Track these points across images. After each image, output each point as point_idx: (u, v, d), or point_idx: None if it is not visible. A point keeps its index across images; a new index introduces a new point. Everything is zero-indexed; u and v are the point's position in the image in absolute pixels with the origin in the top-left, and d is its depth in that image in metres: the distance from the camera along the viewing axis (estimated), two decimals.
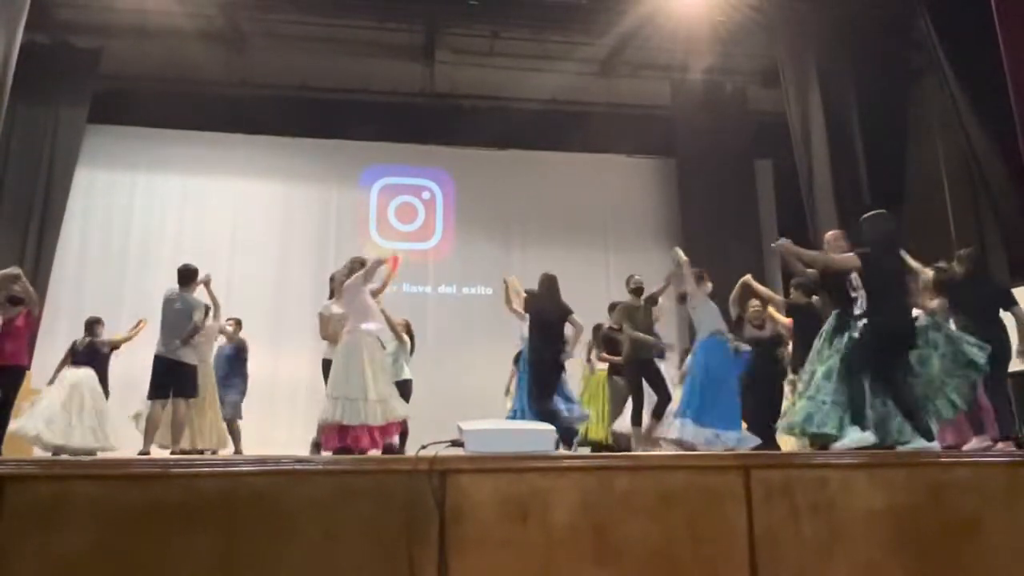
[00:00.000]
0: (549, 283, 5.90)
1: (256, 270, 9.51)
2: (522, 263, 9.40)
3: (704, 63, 9.50)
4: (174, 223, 9.68)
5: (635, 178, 10.80)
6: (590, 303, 7.50)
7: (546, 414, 5.35)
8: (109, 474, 2.10)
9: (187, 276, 5.97)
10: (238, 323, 7.19)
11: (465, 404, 6.86)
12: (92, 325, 6.96)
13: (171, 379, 5.72)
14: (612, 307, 7.11)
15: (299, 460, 2.20)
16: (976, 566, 2.42)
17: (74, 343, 6.94)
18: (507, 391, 7.29)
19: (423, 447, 2.22)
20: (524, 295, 6.05)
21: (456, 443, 2.33)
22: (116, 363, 7.20)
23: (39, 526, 2.02)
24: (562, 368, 5.74)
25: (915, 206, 8.26)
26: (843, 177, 8.22)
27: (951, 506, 2.45)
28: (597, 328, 7.02)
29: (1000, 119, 5.97)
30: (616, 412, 6.34)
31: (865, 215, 4.41)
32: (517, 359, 6.70)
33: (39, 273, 8.62)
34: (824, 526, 2.35)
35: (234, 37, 9.03)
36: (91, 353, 6.86)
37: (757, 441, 5.14)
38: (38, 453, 6.57)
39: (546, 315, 5.78)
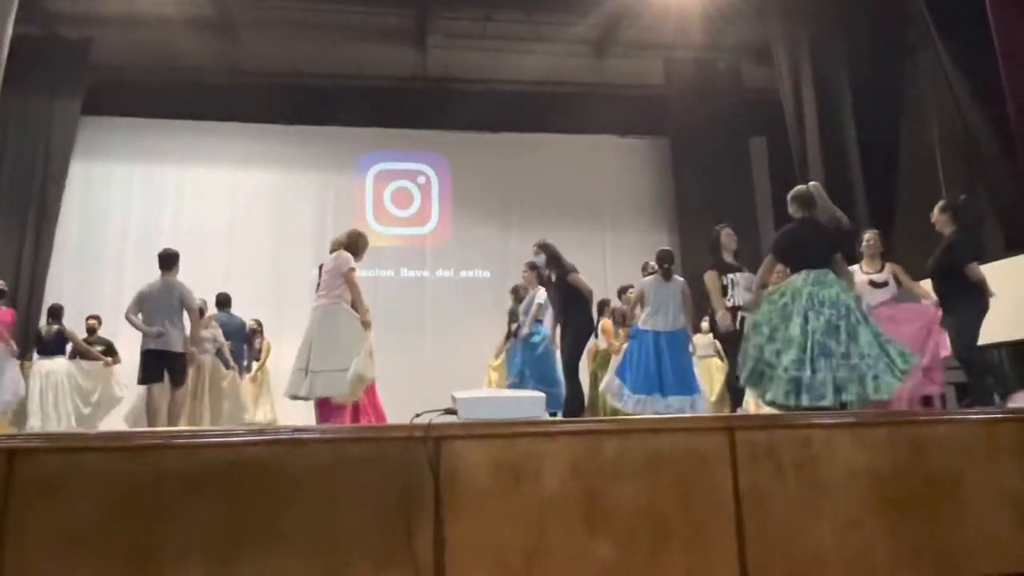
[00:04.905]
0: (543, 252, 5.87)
1: (253, 258, 9.58)
2: (519, 245, 9.46)
3: (696, 41, 9.49)
4: (171, 213, 9.75)
5: (630, 158, 10.84)
6: (588, 282, 7.56)
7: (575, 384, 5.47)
8: (114, 446, 2.17)
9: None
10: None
11: (464, 387, 6.91)
12: (57, 312, 7.05)
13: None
14: (622, 291, 7.26)
15: (298, 429, 2.27)
16: (956, 520, 2.50)
17: (39, 332, 7.01)
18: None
19: (417, 415, 2.29)
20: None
21: (450, 411, 2.40)
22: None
23: (48, 497, 2.09)
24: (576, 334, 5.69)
25: (909, 181, 8.28)
26: (834, 154, 8.24)
27: (932, 463, 2.52)
28: (604, 304, 7.15)
29: (993, 94, 5.99)
30: None
31: None
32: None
33: (38, 266, 8.70)
34: (808, 484, 2.42)
35: (224, 25, 9.02)
36: (60, 342, 6.95)
37: None
38: None
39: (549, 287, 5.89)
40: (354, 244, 4.97)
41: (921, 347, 4.82)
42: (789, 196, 4.41)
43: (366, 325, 4.63)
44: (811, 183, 4.47)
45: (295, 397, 4.64)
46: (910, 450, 2.52)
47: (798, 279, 4.04)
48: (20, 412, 6.66)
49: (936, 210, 4.76)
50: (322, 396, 4.55)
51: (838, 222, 4.41)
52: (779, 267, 4.57)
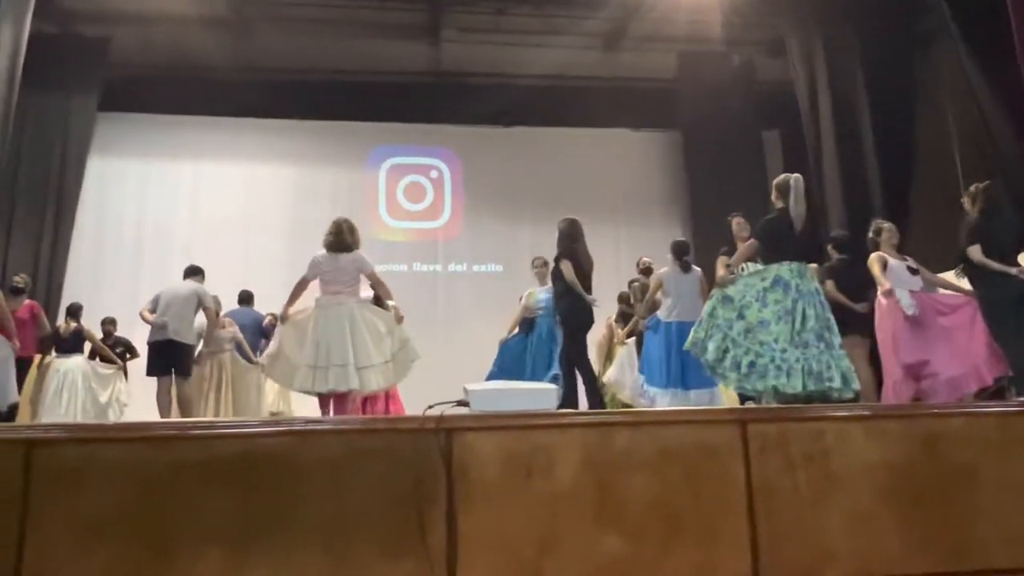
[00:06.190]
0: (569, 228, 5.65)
1: (269, 253, 9.62)
2: (531, 239, 9.45)
3: (710, 34, 9.43)
4: (187, 209, 9.82)
5: (642, 152, 10.80)
6: (600, 278, 7.55)
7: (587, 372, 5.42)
8: (131, 437, 2.20)
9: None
10: None
11: (476, 380, 6.93)
12: (76, 311, 7.13)
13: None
14: (630, 283, 7.22)
15: (310, 421, 2.29)
16: (970, 514, 2.48)
17: (57, 330, 7.07)
18: None
19: (430, 407, 2.30)
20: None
21: (461, 403, 2.41)
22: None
23: (66, 488, 2.13)
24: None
25: (925, 173, 8.18)
26: (849, 146, 8.15)
27: (945, 456, 2.51)
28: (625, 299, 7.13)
29: (1011, 84, 5.90)
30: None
31: None
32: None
33: (55, 262, 8.78)
34: (820, 477, 2.42)
35: (238, 22, 9.08)
36: (77, 341, 7.02)
37: None
38: None
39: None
40: (359, 240, 5.15)
41: (970, 343, 4.64)
42: (773, 183, 4.40)
43: (400, 319, 4.89)
44: (794, 175, 4.33)
45: (331, 393, 4.68)
46: (923, 443, 2.50)
47: (783, 269, 4.00)
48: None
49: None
50: (383, 388, 4.83)
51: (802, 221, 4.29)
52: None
